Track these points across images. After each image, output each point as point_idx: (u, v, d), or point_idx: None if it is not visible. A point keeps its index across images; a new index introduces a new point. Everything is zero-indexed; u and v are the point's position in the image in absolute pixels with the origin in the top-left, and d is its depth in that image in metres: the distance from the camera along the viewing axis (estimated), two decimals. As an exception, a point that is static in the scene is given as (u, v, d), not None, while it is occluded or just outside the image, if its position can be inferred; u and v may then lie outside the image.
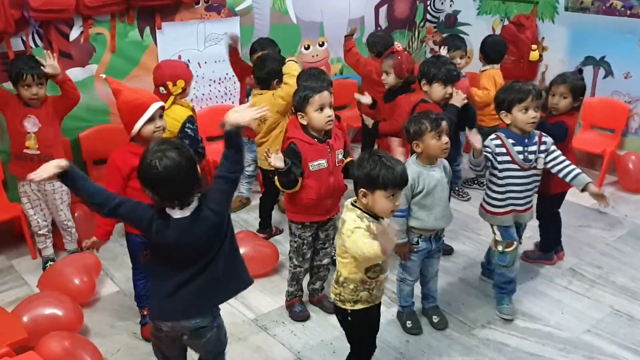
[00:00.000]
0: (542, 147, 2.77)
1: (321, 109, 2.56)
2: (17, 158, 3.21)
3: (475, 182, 4.43)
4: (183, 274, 1.98)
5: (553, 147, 2.78)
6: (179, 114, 2.99)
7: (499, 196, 2.81)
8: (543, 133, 2.80)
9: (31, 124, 3.13)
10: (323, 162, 2.62)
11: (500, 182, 2.78)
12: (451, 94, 3.10)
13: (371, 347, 2.36)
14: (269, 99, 3.28)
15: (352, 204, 2.11)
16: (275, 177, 2.64)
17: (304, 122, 2.61)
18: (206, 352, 2.17)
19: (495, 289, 2.98)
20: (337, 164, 2.68)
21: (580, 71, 3.29)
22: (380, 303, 2.30)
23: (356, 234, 1.99)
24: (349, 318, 2.23)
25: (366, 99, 3.61)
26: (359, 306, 2.19)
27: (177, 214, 1.93)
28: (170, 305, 2.00)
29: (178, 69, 3.12)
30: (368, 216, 2.07)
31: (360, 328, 2.29)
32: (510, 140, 2.74)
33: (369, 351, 2.36)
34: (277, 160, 2.49)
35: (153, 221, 1.94)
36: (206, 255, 1.99)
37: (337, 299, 2.22)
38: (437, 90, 3.10)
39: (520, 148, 2.73)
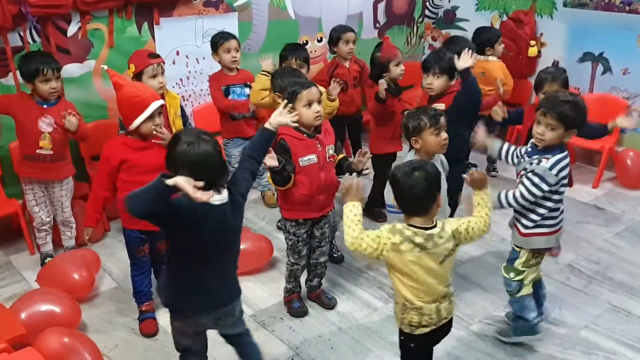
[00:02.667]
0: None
1: (309, 104, 2.56)
2: (29, 158, 3.15)
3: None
4: (221, 261, 2.09)
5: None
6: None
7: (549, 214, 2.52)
8: None
9: (46, 124, 3.11)
10: (313, 157, 2.62)
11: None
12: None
13: None
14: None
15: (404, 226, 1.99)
16: (268, 175, 2.64)
17: None
18: (238, 327, 2.29)
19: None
20: (327, 159, 2.68)
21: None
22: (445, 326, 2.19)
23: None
24: (402, 337, 2.16)
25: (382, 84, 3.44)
26: (421, 331, 2.09)
27: (216, 200, 1.96)
28: (217, 294, 2.10)
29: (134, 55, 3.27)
30: (415, 229, 1.97)
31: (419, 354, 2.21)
32: None
33: None
34: (271, 160, 2.48)
35: (197, 208, 1.90)
36: (236, 238, 2.13)
37: (400, 321, 2.13)
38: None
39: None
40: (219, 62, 3.73)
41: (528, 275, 2.61)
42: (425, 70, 3.14)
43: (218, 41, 3.68)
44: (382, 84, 3.36)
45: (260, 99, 3.26)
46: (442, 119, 2.49)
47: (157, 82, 3.10)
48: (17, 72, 3.23)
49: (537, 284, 2.73)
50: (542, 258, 2.64)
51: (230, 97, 3.75)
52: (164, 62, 3.21)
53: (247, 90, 3.73)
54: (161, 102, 2.57)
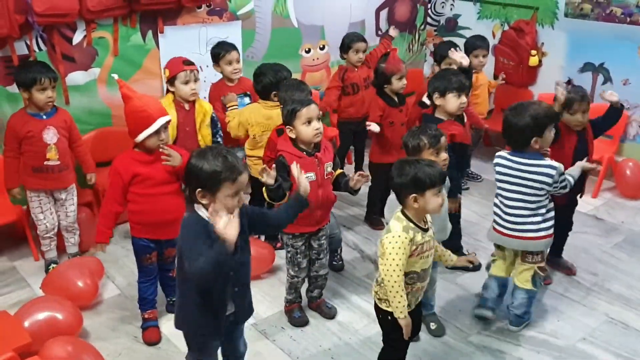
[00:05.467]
0: None
1: (309, 122, 2.59)
2: (37, 171, 3.19)
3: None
4: None
5: None
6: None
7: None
8: None
9: (50, 136, 3.16)
10: (312, 175, 2.65)
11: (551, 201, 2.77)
12: (465, 104, 3.13)
13: (403, 352, 2.42)
14: (261, 111, 3.33)
15: (402, 213, 2.19)
16: (264, 189, 2.66)
17: (293, 136, 2.64)
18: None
19: (516, 318, 2.90)
20: (325, 177, 2.71)
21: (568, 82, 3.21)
22: (420, 311, 2.41)
23: (392, 261, 2.12)
24: (389, 317, 2.26)
25: (375, 127, 3.60)
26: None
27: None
28: None
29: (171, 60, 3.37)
30: (415, 227, 2.16)
31: (396, 331, 2.30)
32: None
33: (400, 355, 2.42)
34: (268, 178, 2.51)
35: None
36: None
37: (376, 297, 2.29)
38: (452, 102, 3.09)
39: None
40: (220, 72, 3.76)
41: None
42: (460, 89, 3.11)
43: (219, 53, 3.70)
44: (373, 127, 3.56)
45: (242, 133, 3.38)
46: (443, 139, 2.52)
47: (189, 88, 3.22)
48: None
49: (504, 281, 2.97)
50: None
51: None
52: (197, 70, 3.30)
53: (246, 99, 3.76)
54: (168, 117, 2.60)
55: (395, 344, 2.38)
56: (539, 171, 2.66)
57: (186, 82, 3.22)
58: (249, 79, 3.83)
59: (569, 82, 3.11)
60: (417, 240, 2.15)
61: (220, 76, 3.85)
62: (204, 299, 2.04)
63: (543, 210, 2.72)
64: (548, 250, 2.86)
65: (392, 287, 2.12)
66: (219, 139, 3.42)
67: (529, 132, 2.63)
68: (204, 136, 3.34)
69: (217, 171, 1.94)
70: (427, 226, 2.22)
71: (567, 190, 2.74)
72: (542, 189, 2.67)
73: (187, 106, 3.29)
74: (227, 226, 1.80)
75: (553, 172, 2.63)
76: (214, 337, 2.18)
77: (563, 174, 2.69)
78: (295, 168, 2.30)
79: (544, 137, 2.66)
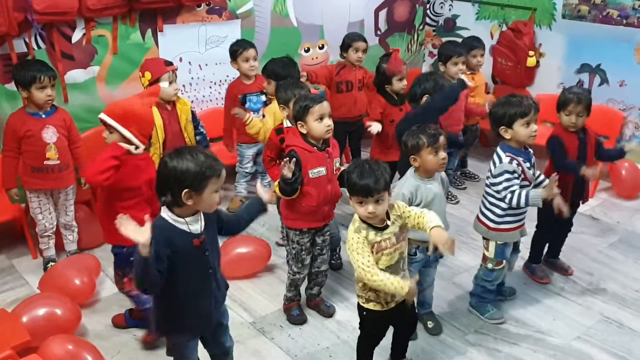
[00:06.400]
0: (533, 160, 2.83)
1: (321, 118, 2.62)
2: (36, 171, 3.19)
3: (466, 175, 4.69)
4: None
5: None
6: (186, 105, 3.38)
7: (510, 211, 2.78)
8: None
9: (50, 135, 3.16)
10: (322, 170, 2.68)
11: None
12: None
13: (374, 342, 2.50)
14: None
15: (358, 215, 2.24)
16: (276, 184, 2.69)
17: (304, 131, 2.66)
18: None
19: (475, 299, 3.03)
20: (334, 172, 2.75)
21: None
22: (402, 307, 2.38)
23: (357, 261, 2.19)
24: (364, 313, 2.37)
25: (376, 126, 3.65)
26: (371, 306, 2.32)
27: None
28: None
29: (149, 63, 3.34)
30: (367, 226, 2.20)
31: (370, 326, 2.41)
32: (521, 158, 2.74)
33: (372, 344, 2.51)
34: (287, 172, 2.55)
35: None
36: None
37: (357, 293, 2.37)
38: None
39: (528, 164, 2.76)
40: (237, 69, 3.77)
41: None
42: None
43: (237, 50, 3.71)
44: (373, 128, 3.62)
45: (262, 137, 3.33)
46: (441, 138, 2.54)
47: (172, 88, 3.22)
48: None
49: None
50: None
51: (247, 105, 3.80)
52: (176, 70, 3.31)
53: (262, 97, 3.79)
54: (102, 116, 2.55)
55: (366, 335, 2.48)
56: (493, 157, 2.78)
57: (170, 83, 3.20)
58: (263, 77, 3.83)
59: (578, 83, 3.16)
60: (371, 238, 2.18)
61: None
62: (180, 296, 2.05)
63: (491, 199, 2.81)
64: (495, 242, 2.85)
65: (374, 281, 2.16)
66: (202, 130, 3.44)
67: (497, 120, 2.75)
68: (189, 132, 3.35)
69: (203, 169, 1.93)
70: (385, 224, 2.21)
71: (508, 200, 2.69)
72: (489, 176, 2.79)
73: (168, 107, 3.27)
74: (137, 234, 1.81)
75: (497, 162, 2.74)
76: (189, 335, 2.22)
77: (510, 172, 2.68)
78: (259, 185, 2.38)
79: (514, 129, 2.71)
